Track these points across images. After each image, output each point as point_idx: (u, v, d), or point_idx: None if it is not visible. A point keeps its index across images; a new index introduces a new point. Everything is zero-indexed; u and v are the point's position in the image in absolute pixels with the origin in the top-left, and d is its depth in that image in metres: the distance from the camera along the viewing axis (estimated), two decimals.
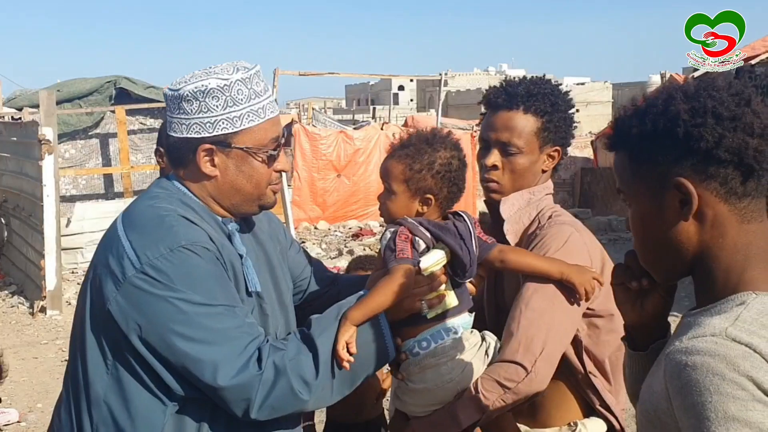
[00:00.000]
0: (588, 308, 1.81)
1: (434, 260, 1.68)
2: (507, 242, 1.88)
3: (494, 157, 1.89)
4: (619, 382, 1.76)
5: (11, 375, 4.91)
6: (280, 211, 11.38)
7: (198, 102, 1.57)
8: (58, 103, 9.46)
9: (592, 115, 44.36)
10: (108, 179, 12.15)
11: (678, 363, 1.00)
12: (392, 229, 1.71)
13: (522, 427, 1.89)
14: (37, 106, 10.61)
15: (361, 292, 1.66)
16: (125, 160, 11.27)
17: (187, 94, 1.57)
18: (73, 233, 9.25)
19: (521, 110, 1.85)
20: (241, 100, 1.58)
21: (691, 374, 0.97)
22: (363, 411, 2.95)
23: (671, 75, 11.34)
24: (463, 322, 1.76)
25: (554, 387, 1.79)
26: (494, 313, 2.01)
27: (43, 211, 7.77)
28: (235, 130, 1.59)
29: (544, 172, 1.93)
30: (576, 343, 1.83)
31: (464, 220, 1.76)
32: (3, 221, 10.06)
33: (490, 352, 1.77)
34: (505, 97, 1.88)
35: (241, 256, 1.64)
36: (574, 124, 1.95)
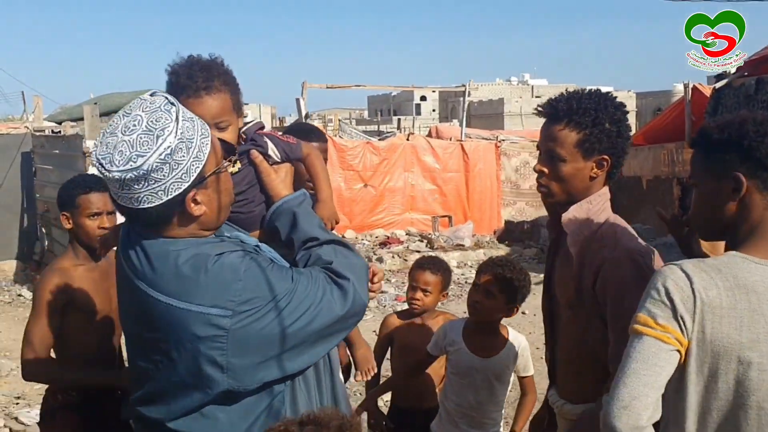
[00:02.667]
0: None
1: None
2: (569, 252, 2.09)
3: (540, 164, 2.11)
4: None
5: None
6: None
7: (168, 164, 1.48)
8: None
9: None
10: None
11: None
12: (262, 137, 1.90)
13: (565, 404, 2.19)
14: (76, 120, 11.00)
15: (294, 195, 1.86)
16: None
17: (155, 165, 1.47)
18: None
19: (564, 123, 2.05)
20: (193, 134, 1.52)
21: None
22: (425, 398, 3.17)
23: (694, 85, 11.34)
24: None
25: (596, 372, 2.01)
26: (546, 300, 2.35)
27: None
28: (202, 164, 1.54)
29: (593, 178, 2.08)
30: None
31: None
32: (44, 230, 10.41)
33: None
34: (550, 111, 2.10)
35: (258, 246, 1.71)
36: (627, 133, 2.09)
